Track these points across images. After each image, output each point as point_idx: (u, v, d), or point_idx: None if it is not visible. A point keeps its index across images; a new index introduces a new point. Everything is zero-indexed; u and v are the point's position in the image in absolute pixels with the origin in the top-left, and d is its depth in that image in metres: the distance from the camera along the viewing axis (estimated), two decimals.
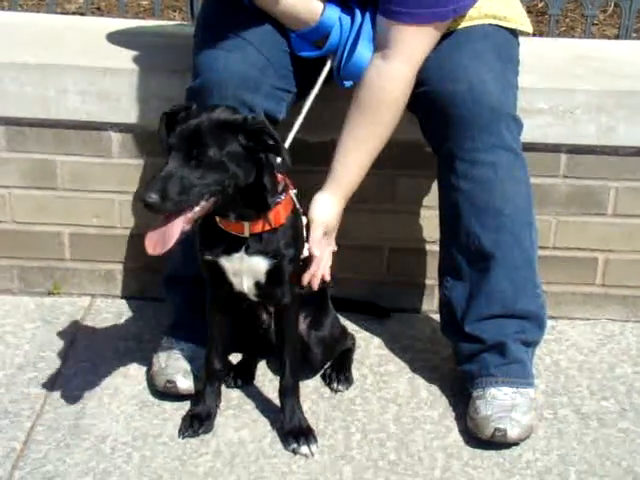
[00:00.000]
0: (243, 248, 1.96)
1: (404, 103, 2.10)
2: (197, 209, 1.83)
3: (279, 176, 1.96)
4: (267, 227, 1.94)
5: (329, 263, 2.15)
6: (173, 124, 1.85)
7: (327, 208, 2.10)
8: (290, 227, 1.98)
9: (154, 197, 1.75)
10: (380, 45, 2.07)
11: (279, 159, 1.92)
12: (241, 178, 1.84)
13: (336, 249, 2.18)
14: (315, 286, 2.10)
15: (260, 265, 1.98)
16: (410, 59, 2.06)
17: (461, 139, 2.08)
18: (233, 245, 1.96)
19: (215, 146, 1.80)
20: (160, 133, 1.89)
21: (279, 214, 1.95)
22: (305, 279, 2.08)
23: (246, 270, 1.99)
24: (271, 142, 1.83)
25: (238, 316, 2.17)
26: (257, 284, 2.01)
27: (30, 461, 2.04)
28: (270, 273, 1.98)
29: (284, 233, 1.97)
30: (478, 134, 2.06)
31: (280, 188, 1.96)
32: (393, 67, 2.06)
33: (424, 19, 2.03)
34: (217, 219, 1.95)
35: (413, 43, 2.05)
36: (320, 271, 2.10)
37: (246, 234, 1.94)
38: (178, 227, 1.81)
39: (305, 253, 2.08)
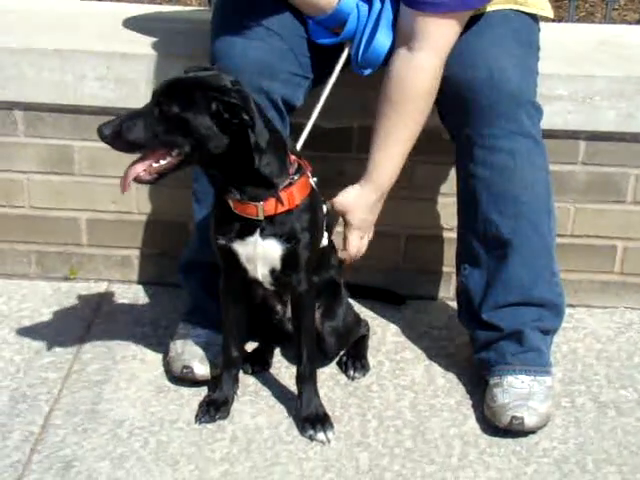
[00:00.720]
0: (257, 232, 1.94)
1: (435, 92, 2.09)
2: (162, 162, 1.85)
3: (292, 157, 1.94)
4: (280, 208, 1.92)
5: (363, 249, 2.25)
6: None
7: (356, 197, 2.16)
8: (306, 211, 1.96)
9: (106, 132, 1.83)
10: (405, 36, 2.05)
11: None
12: (209, 144, 1.82)
13: (371, 237, 2.27)
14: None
15: (274, 250, 1.96)
16: (438, 49, 2.04)
17: (480, 126, 2.07)
18: (247, 229, 1.95)
19: (182, 104, 1.81)
20: None
21: (293, 195, 1.93)
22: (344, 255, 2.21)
23: (260, 256, 1.98)
24: (246, 117, 1.80)
25: (252, 305, 2.16)
26: (272, 272, 2.00)
27: (48, 445, 2.05)
28: (285, 259, 1.97)
29: (299, 216, 1.95)
30: (497, 120, 2.05)
31: (293, 169, 1.94)
32: (422, 58, 2.04)
33: (450, 8, 2.01)
34: (230, 203, 1.94)
35: (440, 33, 2.03)
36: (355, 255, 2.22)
37: (260, 216, 1.93)
38: (133, 171, 1.87)
39: (324, 242, 2.07)
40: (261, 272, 2.01)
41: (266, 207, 1.92)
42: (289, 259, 1.98)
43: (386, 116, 2.09)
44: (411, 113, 2.09)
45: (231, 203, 1.94)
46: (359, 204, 2.17)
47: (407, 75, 2.06)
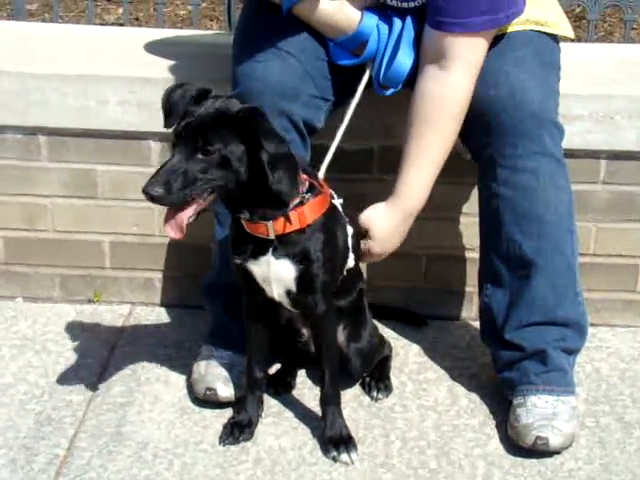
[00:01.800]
0: (270, 251, 1.94)
1: (465, 111, 2.09)
2: (202, 202, 1.84)
3: (303, 176, 1.94)
4: (289, 227, 1.92)
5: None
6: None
7: (370, 213, 2.15)
8: (320, 231, 1.95)
9: (159, 191, 1.78)
10: (432, 56, 2.06)
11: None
12: (242, 173, 1.83)
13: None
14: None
15: (288, 270, 1.96)
16: (470, 68, 2.05)
17: (502, 145, 2.07)
18: (260, 249, 1.95)
19: (220, 141, 1.80)
20: (172, 104, 1.88)
21: (304, 214, 1.92)
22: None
23: (274, 276, 1.98)
24: (261, 137, 1.79)
25: (276, 327, 2.17)
26: (288, 292, 2.01)
27: (73, 468, 2.06)
28: (299, 280, 1.97)
29: (313, 236, 1.95)
30: (520, 140, 2.06)
31: (305, 188, 1.93)
32: (455, 77, 2.05)
33: (477, 28, 2.02)
34: (242, 222, 1.95)
35: (469, 52, 2.04)
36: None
37: (271, 236, 1.93)
38: (185, 218, 1.84)
39: (350, 264, 2.07)
40: (277, 292, 2.01)
41: (276, 226, 1.92)
42: (304, 280, 1.97)
43: (420, 135, 2.09)
44: (447, 131, 2.09)
45: (243, 222, 1.95)
46: (384, 224, 2.17)
47: (445, 94, 2.06)
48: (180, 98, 1.87)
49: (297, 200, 1.92)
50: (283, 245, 1.94)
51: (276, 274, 1.97)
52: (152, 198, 1.79)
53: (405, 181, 2.13)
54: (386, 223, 2.16)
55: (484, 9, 2.01)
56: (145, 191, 1.79)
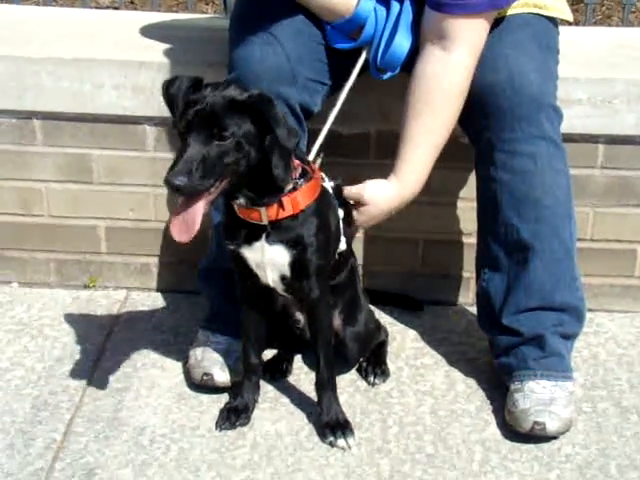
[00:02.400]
0: (263, 237, 1.94)
1: (466, 93, 2.07)
2: (214, 190, 1.82)
3: (296, 161, 1.93)
4: (282, 213, 1.91)
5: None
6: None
7: (372, 188, 2.12)
8: (313, 216, 1.95)
9: (182, 179, 1.75)
10: (433, 37, 2.04)
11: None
12: (253, 156, 1.82)
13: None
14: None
15: (282, 256, 1.96)
16: (472, 48, 2.04)
17: (500, 129, 2.06)
18: (254, 234, 1.95)
19: (234, 126, 1.79)
20: (172, 97, 1.86)
21: (297, 200, 1.92)
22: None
23: (268, 262, 1.97)
24: (270, 120, 1.79)
25: (272, 313, 2.16)
26: (282, 278, 2.00)
27: (70, 452, 2.06)
28: (293, 265, 1.97)
29: (305, 222, 1.94)
30: (518, 124, 2.04)
31: (297, 174, 1.93)
32: (457, 57, 2.04)
33: (476, 9, 2.00)
34: (235, 208, 1.94)
35: (471, 32, 2.03)
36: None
37: (264, 221, 1.93)
38: (200, 211, 1.82)
39: (342, 247, 2.07)
40: (271, 278, 2.01)
41: (269, 212, 1.91)
42: (298, 266, 1.97)
43: (421, 116, 2.07)
44: (447, 112, 2.07)
45: (236, 208, 1.94)
46: (382, 205, 2.13)
47: (447, 74, 2.04)
48: (177, 90, 1.86)
49: (290, 186, 1.91)
50: (276, 231, 1.94)
51: (270, 260, 1.97)
52: (176, 189, 1.76)
53: (405, 163, 2.11)
54: (384, 204, 2.13)
55: None
56: (168, 182, 1.76)
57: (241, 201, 1.91)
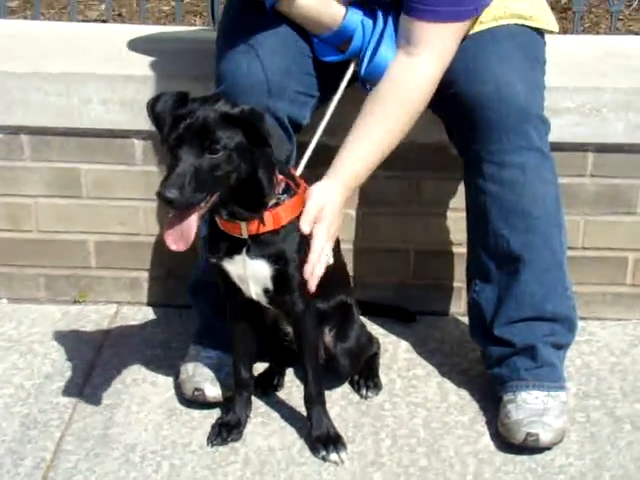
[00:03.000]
0: (244, 251, 1.93)
1: (426, 102, 2.07)
2: (205, 204, 1.82)
3: (279, 176, 1.93)
4: (263, 228, 1.91)
5: (327, 259, 1.97)
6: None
7: (323, 190, 1.98)
8: (297, 231, 1.94)
9: (175, 192, 1.75)
10: (403, 43, 2.05)
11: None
12: (243, 170, 1.83)
13: (331, 257, 1.99)
14: (311, 285, 1.93)
15: (263, 270, 1.95)
16: (437, 57, 2.04)
17: (488, 141, 2.06)
18: (235, 248, 1.94)
19: (226, 139, 1.79)
20: (159, 115, 1.85)
21: (279, 215, 1.92)
22: (306, 271, 1.93)
23: (250, 275, 1.97)
24: (265, 135, 1.80)
25: (261, 327, 2.15)
26: (266, 291, 1.99)
27: (60, 471, 2.04)
28: (276, 279, 1.96)
29: (287, 237, 1.93)
30: (506, 136, 2.04)
31: (280, 189, 1.92)
32: (420, 64, 2.03)
33: (445, 16, 2.01)
34: (217, 221, 1.94)
35: (438, 41, 2.03)
36: (318, 266, 1.93)
37: (244, 235, 1.92)
38: (194, 223, 1.82)
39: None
40: (254, 291, 2.00)
41: (250, 226, 1.91)
42: (280, 280, 1.96)
43: (370, 114, 2.04)
44: (400, 118, 2.05)
45: (218, 221, 1.94)
46: (335, 199, 1.99)
47: (404, 78, 2.04)
48: (163, 107, 1.85)
49: (273, 201, 1.91)
50: (257, 245, 1.93)
51: (252, 273, 1.97)
52: (169, 202, 1.76)
53: (344, 154, 2.04)
54: (336, 198, 2.00)
55: (456, 0, 2.01)
56: (160, 195, 1.75)
57: (223, 214, 1.91)
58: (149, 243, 2.60)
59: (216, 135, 1.79)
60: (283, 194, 1.93)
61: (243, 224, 1.91)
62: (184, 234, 1.82)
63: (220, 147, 1.79)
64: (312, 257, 1.94)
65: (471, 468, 2.05)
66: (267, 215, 1.91)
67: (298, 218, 1.94)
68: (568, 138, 2.38)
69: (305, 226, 1.94)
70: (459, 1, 2.01)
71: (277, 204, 1.92)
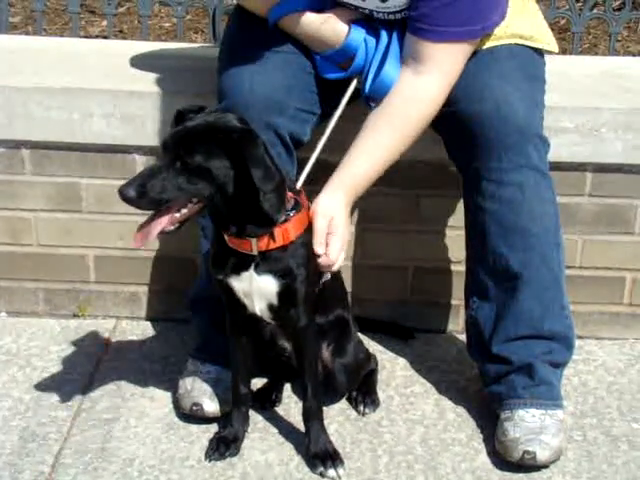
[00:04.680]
0: (252, 267, 1.94)
1: (431, 119, 2.09)
2: (184, 211, 1.85)
3: (289, 193, 1.94)
4: (273, 244, 1.92)
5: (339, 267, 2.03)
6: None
7: (329, 202, 2.01)
8: (302, 247, 1.95)
9: (132, 193, 1.79)
10: (410, 62, 2.06)
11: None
12: (228, 189, 1.83)
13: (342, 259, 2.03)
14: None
15: (270, 286, 1.96)
16: (443, 75, 2.05)
17: (488, 159, 2.07)
18: (242, 264, 1.95)
19: (202, 153, 1.80)
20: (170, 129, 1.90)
21: (288, 231, 1.93)
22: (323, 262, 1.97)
23: (256, 291, 1.97)
24: (256, 158, 1.80)
25: (260, 342, 2.16)
26: (270, 307, 2.00)
27: None
28: (282, 295, 1.97)
29: (295, 252, 1.94)
30: (505, 154, 2.06)
31: (290, 205, 1.94)
32: (426, 83, 2.05)
33: (454, 37, 2.02)
34: (225, 238, 1.94)
35: (446, 60, 2.04)
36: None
37: (254, 252, 1.93)
38: (159, 225, 1.85)
39: (327, 277, 2.06)
40: (259, 307, 2.00)
41: (259, 243, 1.92)
42: (286, 295, 1.97)
43: (379, 132, 2.07)
44: (405, 135, 2.07)
45: (226, 238, 1.94)
46: (342, 209, 2.03)
47: (411, 96, 2.06)
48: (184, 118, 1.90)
49: (282, 217, 1.92)
50: (265, 261, 1.94)
51: (258, 289, 1.97)
52: (126, 199, 1.80)
53: (349, 165, 2.07)
54: (341, 206, 2.03)
55: (463, 20, 2.02)
56: (120, 191, 1.80)
57: (232, 231, 1.92)
58: (149, 258, 2.60)
59: (192, 147, 1.80)
60: (292, 210, 1.94)
61: (253, 240, 1.91)
62: (145, 233, 1.86)
63: (192, 160, 1.80)
64: (327, 267, 1.99)
65: None
66: (277, 231, 1.91)
67: (305, 232, 1.95)
68: (567, 158, 2.39)
69: (319, 248, 1.97)
70: (465, 21, 2.03)
71: (285, 220, 1.92)
